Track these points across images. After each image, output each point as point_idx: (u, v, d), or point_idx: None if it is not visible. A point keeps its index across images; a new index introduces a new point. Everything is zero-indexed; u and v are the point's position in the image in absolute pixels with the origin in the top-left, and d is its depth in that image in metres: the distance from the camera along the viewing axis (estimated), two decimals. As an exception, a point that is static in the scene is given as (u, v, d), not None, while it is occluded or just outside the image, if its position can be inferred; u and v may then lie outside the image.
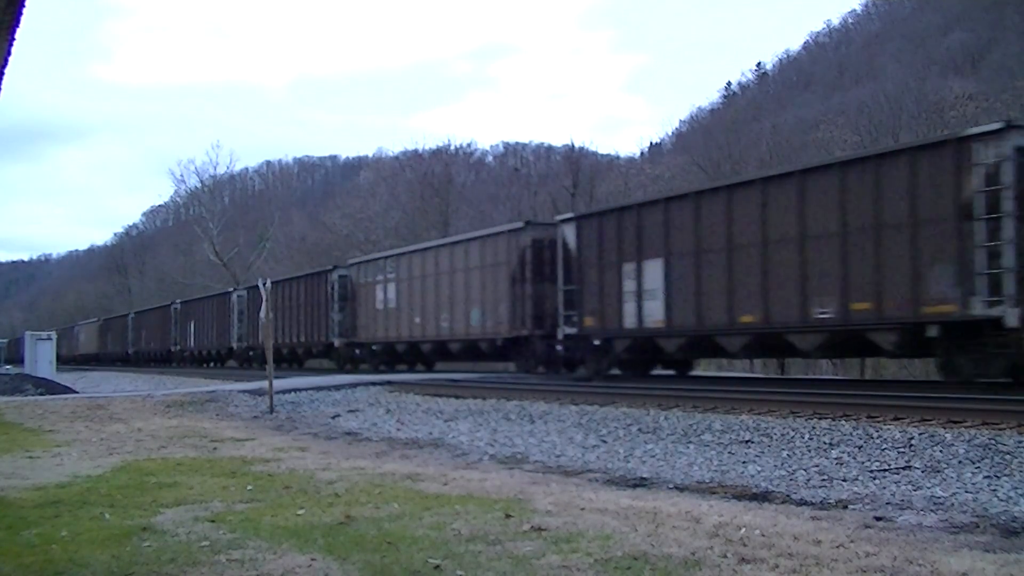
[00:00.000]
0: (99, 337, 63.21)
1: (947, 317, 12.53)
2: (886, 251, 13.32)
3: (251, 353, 37.33)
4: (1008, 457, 7.45)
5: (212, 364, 41.69)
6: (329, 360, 31.10)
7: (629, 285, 17.76)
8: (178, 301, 48.19)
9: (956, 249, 12.41)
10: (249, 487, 7.00)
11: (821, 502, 6.21)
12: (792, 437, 9.20)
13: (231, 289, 41.62)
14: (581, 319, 18.94)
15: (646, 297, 17.39)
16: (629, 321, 17.74)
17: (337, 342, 29.37)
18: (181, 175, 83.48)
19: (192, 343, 44.45)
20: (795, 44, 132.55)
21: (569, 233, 19.51)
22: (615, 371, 19.04)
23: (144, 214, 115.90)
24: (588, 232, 19.03)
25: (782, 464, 7.92)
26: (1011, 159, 11.88)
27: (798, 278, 14.49)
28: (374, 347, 27.51)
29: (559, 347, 19.73)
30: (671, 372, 19.63)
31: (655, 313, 17.16)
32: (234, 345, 38.55)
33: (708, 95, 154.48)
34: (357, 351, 28.69)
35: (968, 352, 12.66)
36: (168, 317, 47.69)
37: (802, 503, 6.22)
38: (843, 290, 13.81)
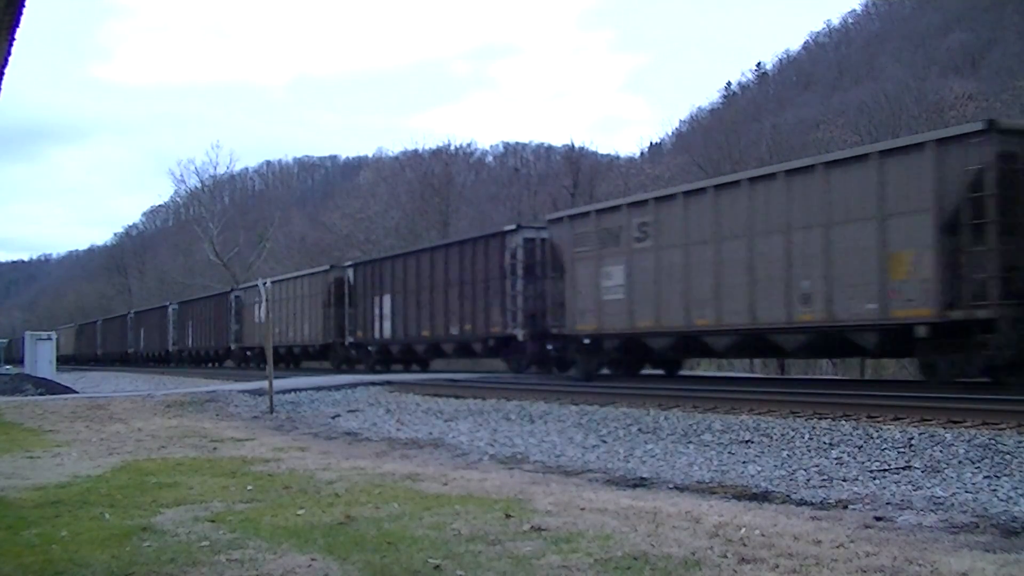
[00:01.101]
0: (75, 340, 67.92)
1: (499, 335, 21.82)
2: (477, 295, 22.49)
3: (182, 354, 46.15)
4: (1008, 457, 7.45)
5: (155, 363, 49.03)
6: (230, 360, 39.94)
7: (377, 311, 27.30)
8: (132, 311, 56.28)
9: (501, 295, 21.60)
10: (249, 487, 7.01)
11: (821, 502, 6.21)
12: (792, 437, 9.20)
13: (167, 303, 49.43)
14: (355, 332, 28.47)
15: (384, 319, 26.84)
16: (377, 334, 27.29)
17: (233, 347, 38.88)
18: (181, 175, 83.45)
19: (142, 346, 52.32)
20: (795, 44, 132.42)
21: (351, 274, 29.13)
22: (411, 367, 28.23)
23: (144, 214, 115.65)
24: (360, 275, 28.66)
25: (782, 464, 7.92)
26: (521, 245, 21.33)
27: (444, 309, 23.91)
28: (256, 350, 36.49)
29: (352, 350, 28.92)
30: (416, 367, 28.12)
31: (388, 329, 26.73)
32: (170, 348, 46.94)
33: (708, 95, 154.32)
34: (248, 353, 37.72)
35: (509, 354, 22.59)
36: (126, 324, 55.40)
37: (802, 503, 6.22)
38: (461, 318, 23.12)
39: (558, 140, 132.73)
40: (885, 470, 7.33)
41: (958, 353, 12.62)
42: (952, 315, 12.23)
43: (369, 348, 27.72)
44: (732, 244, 15.39)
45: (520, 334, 20.87)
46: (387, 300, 26.39)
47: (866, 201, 13.36)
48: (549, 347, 20.11)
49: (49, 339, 37.12)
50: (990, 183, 11.86)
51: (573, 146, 51.08)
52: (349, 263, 30.18)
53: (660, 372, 19.89)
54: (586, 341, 18.65)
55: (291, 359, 34.33)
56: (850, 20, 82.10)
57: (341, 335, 29.21)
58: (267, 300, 16.96)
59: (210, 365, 41.86)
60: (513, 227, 22.00)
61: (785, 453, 8.46)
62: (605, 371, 19.12)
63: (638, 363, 19.36)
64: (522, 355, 21.69)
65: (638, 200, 18.18)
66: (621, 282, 17.54)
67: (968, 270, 12.15)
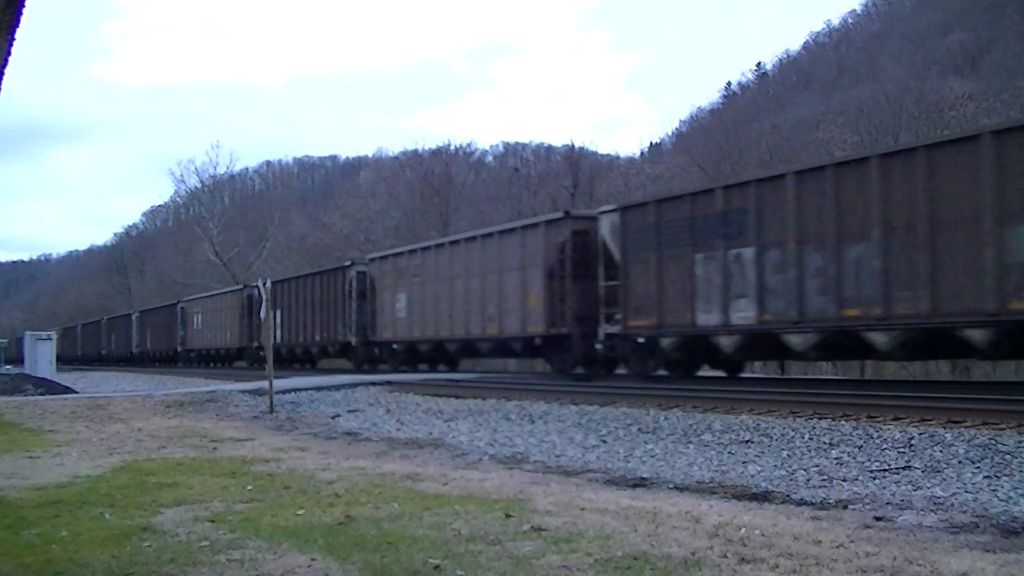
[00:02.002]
0: (60, 342, 71.47)
1: (341, 341, 28.92)
2: (329, 312, 29.88)
3: (144, 355, 53.78)
4: (1008, 457, 7.45)
5: (124, 363, 56.45)
6: (179, 360, 46.74)
7: (272, 321, 36.70)
8: (105, 317, 64.19)
9: (343, 313, 28.70)
10: (249, 487, 7.01)
11: (821, 502, 6.21)
12: (792, 437, 9.20)
13: (130, 312, 58.01)
14: (259, 337, 34.38)
15: (277, 328, 32.82)
16: (272, 339, 38.58)
17: (179, 349, 46.63)
18: (181, 175, 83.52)
19: (113, 348, 59.73)
20: (795, 44, 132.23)
21: (260, 289, 40.98)
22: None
23: (144, 214, 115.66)
24: (272, 292, 38.03)
25: (782, 464, 7.92)
26: (355, 277, 28.24)
27: (310, 321, 31.61)
28: (194, 352, 44.88)
29: (259, 351, 35.16)
30: (309, 365, 34.83)
31: (279, 336, 32.98)
32: (133, 350, 54.89)
33: (708, 95, 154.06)
34: (191, 354, 45.26)
35: (352, 353, 28.90)
36: (100, 329, 63.38)
37: (802, 503, 6.22)
38: (321, 328, 30.65)
39: (558, 140, 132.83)
40: (885, 470, 7.33)
41: (559, 355, 20.33)
42: (551, 331, 19.95)
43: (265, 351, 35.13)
44: (458, 282, 23.21)
45: (354, 340, 28.42)
46: (279, 313, 33.70)
47: (516, 257, 21.05)
48: (375, 351, 27.83)
49: (49, 339, 37.16)
50: (568, 250, 19.57)
51: (573, 146, 51.20)
52: (254, 284, 36.80)
53: (447, 367, 26.98)
54: (395, 346, 26.65)
55: (218, 359, 42.61)
56: (850, 20, 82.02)
57: (251, 340, 36.97)
58: (267, 300, 16.92)
59: (165, 364, 49.28)
60: (349, 263, 29.66)
61: (785, 453, 8.46)
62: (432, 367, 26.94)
63: (421, 361, 27.11)
64: (355, 356, 28.91)
65: (414, 248, 26.57)
66: (405, 305, 25.78)
67: (559, 303, 19.71)
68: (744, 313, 15.18)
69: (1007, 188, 11.60)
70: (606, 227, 18.56)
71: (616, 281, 18.03)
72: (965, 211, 12.13)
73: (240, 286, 39.84)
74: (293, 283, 33.75)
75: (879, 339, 13.32)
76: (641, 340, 17.37)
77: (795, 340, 14.57)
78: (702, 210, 16.12)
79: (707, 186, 18.21)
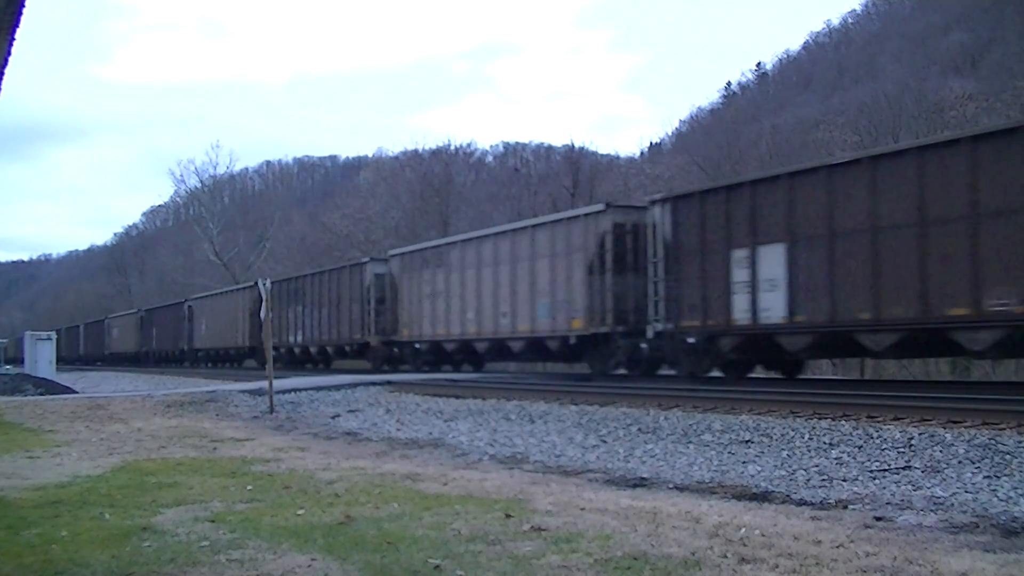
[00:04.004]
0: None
1: (181, 348, 45.99)
2: (172, 329, 47.59)
3: (86, 356, 65.26)
4: (1008, 457, 7.45)
5: (74, 363, 64.98)
6: (102, 360, 59.01)
7: (152, 333, 51.08)
8: (64, 328, 72.96)
9: (182, 331, 45.66)
10: (249, 487, 7.01)
11: (821, 502, 6.21)
12: (792, 437, 9.20)
13: (78, 324, 69.67)
14: (148, 343, 51.32)
15: (152, 339, 50.23)
16: (153, 346, 50.92)
17: (107, 352, 59.82)
18: (181, 175, 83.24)
19: (67, 352, 66.87)
20: (795, 44, 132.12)
21: (144, 315, 52.65)
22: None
23: (144, 214, 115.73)
24: (149, 315, 51.11)
25: (782, 464, 7.92)
26: (187, 310, 44.79)
27: (168, 333, 48.21)
28: (114, 355, 58.37)
29: (150, 354, 50.54)
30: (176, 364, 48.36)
31: (154, 343, 50.91)
32: (81, 352, 66.53)
33: (708, 95, 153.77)
34: (112, 355, 58.33)
35: (187, 356, 45.80)
36: (78, 334, 72.22)
37: (802, 503, 6.22)
38: (173, 339, 47.24)
39: (558, 140, 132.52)
40: (885, 470, 7.33)
41: (257, 357, 35.38)
42: (252, 344, 35.73)
43: (150, 352, 50.32)
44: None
45: (186, 346, 43.53)
46: (153, 328, 49.80)
47: (240, 305, 36.83)
48: (200, 353, 42.18)
49: (49, 339, 37.11)
50: (254, 303, 31.34)
51: (573, 146, 51.11)
52: (146, 308, 54.05)
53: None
54: (206, 351, 41.96)
55: (127, 360, 54.64)
56: (850, 20, 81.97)
57: (142, 346, 52.05)
58: (266, 301, 16.93)
59: (95, 363, 61.18)
60: (185, 299, 44.57)
61: (785, 453, 8.46)
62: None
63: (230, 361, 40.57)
64: (194, 358, 44.07)
65: (198, 297, 43.45)
66: (205, 326, 40.74)
67: (255, 330, 33.01)
68: (301, 337, 32.29)
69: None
70: (262, 288, 32.06)
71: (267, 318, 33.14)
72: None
73: (135, 310, 55.79)
74: (162, 311, 49.34)
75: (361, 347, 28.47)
76: (294, 350, 33.38)
77: (330, 350, 30.82)
78: (293, 285, 33.06)
79: (303, 273, 34.29)
